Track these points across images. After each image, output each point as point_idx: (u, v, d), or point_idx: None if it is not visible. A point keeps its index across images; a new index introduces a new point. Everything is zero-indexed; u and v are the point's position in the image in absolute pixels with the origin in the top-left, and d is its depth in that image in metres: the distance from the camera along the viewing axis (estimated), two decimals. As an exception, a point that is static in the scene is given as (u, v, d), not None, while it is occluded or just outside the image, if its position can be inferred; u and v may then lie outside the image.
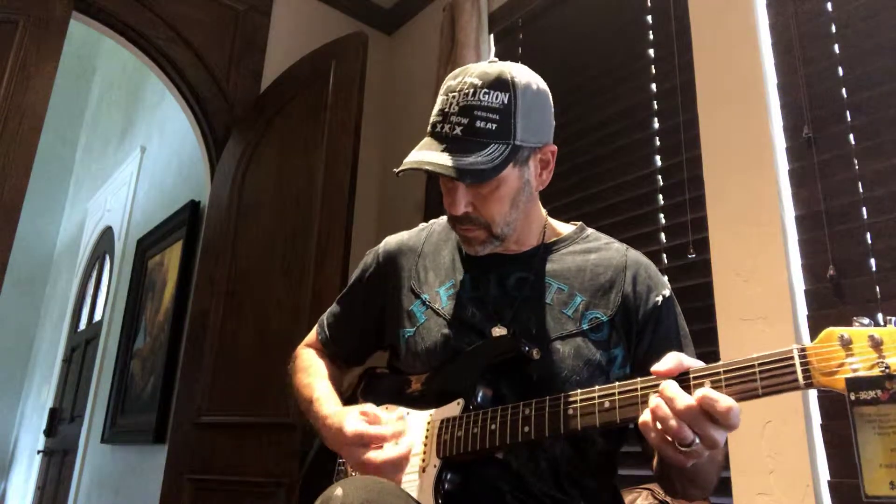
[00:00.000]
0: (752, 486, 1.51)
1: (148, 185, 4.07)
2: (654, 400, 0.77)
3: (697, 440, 0.74)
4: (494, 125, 0.96)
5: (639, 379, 0.83)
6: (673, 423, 0.74)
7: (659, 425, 0.76)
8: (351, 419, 0.97)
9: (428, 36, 3.01)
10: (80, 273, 5.03)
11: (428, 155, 0.96)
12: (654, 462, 0.96)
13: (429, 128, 1.01)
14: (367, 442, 0.94)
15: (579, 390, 0.88)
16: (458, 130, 0.96)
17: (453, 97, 0.98)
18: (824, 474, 1.45)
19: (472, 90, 0.97)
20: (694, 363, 0.80)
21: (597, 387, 0.87)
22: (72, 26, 2.47)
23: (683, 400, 0.75)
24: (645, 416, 0.78)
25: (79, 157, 6.15)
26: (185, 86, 2.76)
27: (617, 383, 0.85)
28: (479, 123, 0.96)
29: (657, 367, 0.80)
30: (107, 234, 4.66)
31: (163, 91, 3.31)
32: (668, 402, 0.76)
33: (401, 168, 0.97)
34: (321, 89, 2.43)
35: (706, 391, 0.74)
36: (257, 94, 2.85)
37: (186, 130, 3.13)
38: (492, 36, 2.66)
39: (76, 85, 5.99)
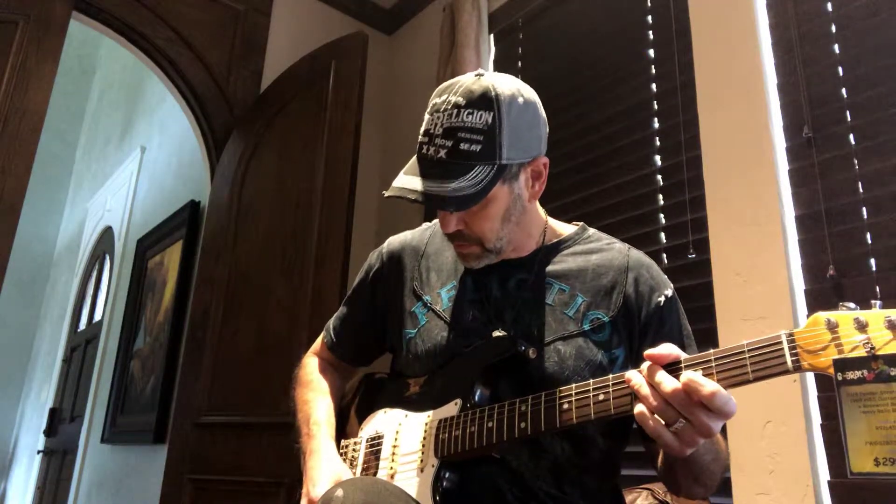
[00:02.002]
0: (752, 486, 1.51)
1: (148, 185, 4.07)
2: (635, 379, 0.79)
3: (682, 422, 0.75)
4: (479, 146, 0.94)
5: (635, 370, 0.84)
6: (654, 401, 0.77)
7: (645, 406, 0.78)
8: (321, 484, 0.96)
9: (428, 36, 3.01)
10: (80, 273, 5.03)
11: (412, 181, 0.95)
12: (659, 460, 0.96)
13: (417, 146, 0.99)
14: None
15: (574, 385, 0.88)
16: (442, 153, 0.94)
17: (437, 117, 0.96)
18: (824, 474, 1.45)
19: (455, 110, 0.95)
20: (685, 355, 0.81)
21: (591, 380, 0.87)
22: (72, 26, 2.47)
23: (670, 383, 0.76)
24: (639, 407, 0.79)
25: (79, 157, 6.15)
26: (185, 86, 2.76)
27: (611, 376, 0.85)
28: (463, 146, 0.94)
29: (650, 351, 0.81)
30: (107, 234, 4.66)
31: (163, 91, 3.31)
32: (648, 379, 0.78)
33: (388, 193, 0.97)
34: (321, 89, 2.43)
35: (691, 375, 0.75)
36: (257, 94, 2.85)
37: (186, 130, 3.13)
38: (492, 36, 2.66)
39: (76, 85, 5.99)
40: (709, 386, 0.73)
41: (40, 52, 2.28)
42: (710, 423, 0.74)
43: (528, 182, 1.03)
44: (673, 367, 0.79)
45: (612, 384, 0.84)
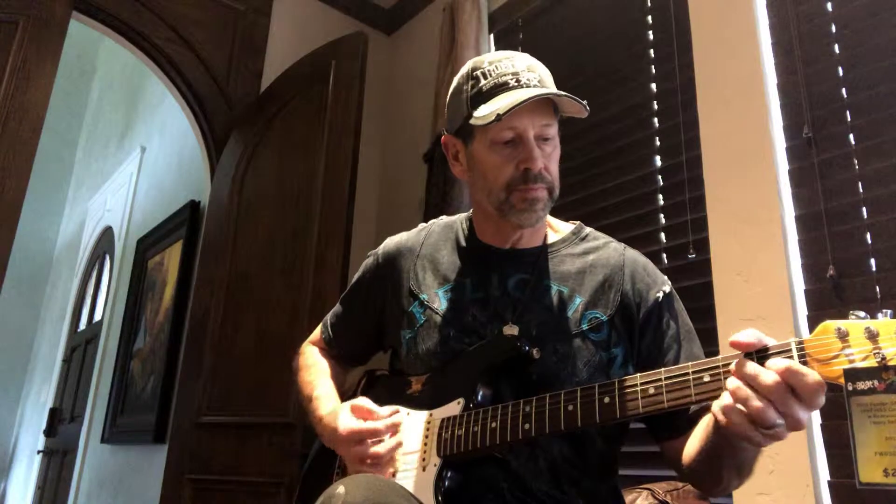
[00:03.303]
0: (752, 486, 1.51)
1: (148, 185, 4.07)
2: (731, 382, 0.73)
3: (780, 420, 0.70)
4: (551, 83, 1.04)
5: (638, 374, 0.84)
6: (756, 402, 0.70)
7: (742, 407, 0.71)
8: (343, 418, 0.98)
9: (428, 36, 3.01)
10: (80, 273, 5.03)
11: (529, 92, 0.98)
12: (691, 457, 0.91)
13: (489, 91, 1.01)
14: (362, 438, 0.95)
15: (579, 387, 0.88)
16: (535, 82, 1.01)
17: (511, 63, 1.03)
18: (824, 474, 1.45)
19: (525, 56, 1.05)
20: (770, 340, 0.75)
21: (597, 383, 0.87)
22: (72, 26, 2.46)
23: (769, 376, 0.70)
24: (725, 400, 0.73)
25: (79, 157, 6.15)
26: (185, 86, 2.76)
27: (617, 379, 0.85)
28: (546, 79, 1.03)
29: (736, 337, 0.75)
30: (107, 234, 4.66)
31: (163, 91, 3.31)
32: (750, 379, 0.71)
33: (511, 106, 0.95)
34: (321, 89, 2.43)
35: (790, 363, 0.70)
36: (257, 94, 2.85)
37: (186, 130, 3.13)
38: (492, 36, 2.66)
39: (76, 85, 5.98)
40: (812, 374, 0.69)
41: (40, 52, 2.28)
42: (802, 416, 0.70)
43: None
44: (679, 371, 0.80)
45: (618, 388, 0.84)
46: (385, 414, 0.99)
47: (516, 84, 1.00)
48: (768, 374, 0.70)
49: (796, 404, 0.70)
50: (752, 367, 0.72)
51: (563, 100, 0.99)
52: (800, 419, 0.71)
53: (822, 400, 0.70)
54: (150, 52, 2.72)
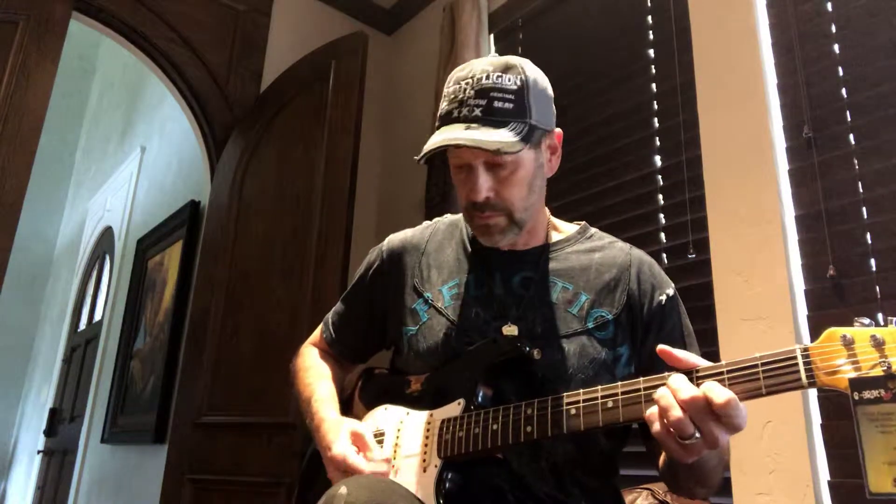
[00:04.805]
0: (752, 486, 1.51)
1: (148, 185, 4.07)
2: (660, 391, 0.77)
3: (698, 434, 0.74)
4: (511, 105, 0.98)
5: (641, 378, 0.83)
6: (675, 413, 0.74)
7: (663, 416, 0.76)
8: (341, 441, 0.95)
9: (428, 36, 3.01)
10: (80, 273, 5.03)
11: (451, 134, 0.96)
12: (661, 460, 0.95)
13: (440, 119, 1.01)
14: (346, 470, 0.92)
15: (581, 390, 0.87)
16: (477, 112, 0.97)
17: (467, 83, 0.99)
18: (824, 474, 1.45)
19: (484, 75, 0.99)
20: (703, 363, 0.80)
21: (599, 386, 0.86)
22: (72, 26, 2.46)
23: (688, 391, 0.75)
24: (651, 409, 0.78)
25: (79, 157, 6.15)
26: (185, 86, 2.76)
27: (620, 383, 0.85)
28: (496, 104, 0.97)
29: (666, 347, 0.80)
30: (107, 234, 4.66)
31: (163, 91, 3.31)
32: (674, 392, 0.76)
33: (423, 153, 0.96)
34: (321, 89, 2.43)
35: (710, 384, 0.74)
36: (257, 94, 2.86)
37: (186, 130, 3.14)
38: (492, 36, 2.66)
39: (76, 85, 5.98)
40: (724, 394, 0.73)
41: (40, 52, 2.29)
42: (718, 434, 0.74)
43: (547, 154, 1.07)
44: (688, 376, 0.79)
45: (622, 392, 0.83)
46: (378, 458, 0.93)
47: (456, 117, 0.98)
48: (688, 387, 0.75)
49: (712, 422, 0.74)
50: (678, 380, 0.77)
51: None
52: (715, 436, 0.74)
53: (740, 421, 0.73)
54: (150, 53, 2.72)
